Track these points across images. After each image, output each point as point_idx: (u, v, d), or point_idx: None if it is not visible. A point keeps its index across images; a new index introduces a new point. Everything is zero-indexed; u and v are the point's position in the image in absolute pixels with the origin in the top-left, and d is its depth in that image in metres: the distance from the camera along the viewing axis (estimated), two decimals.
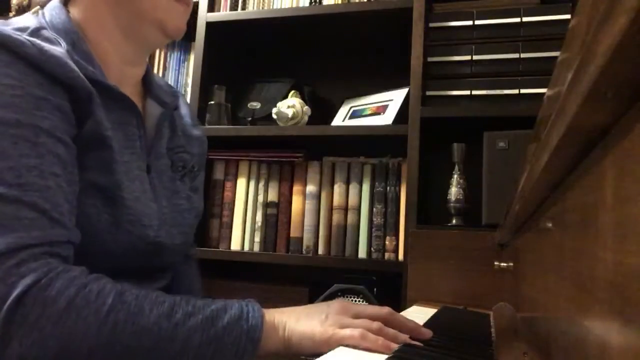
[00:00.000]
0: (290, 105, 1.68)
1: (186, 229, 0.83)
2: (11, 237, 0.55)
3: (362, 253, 1.61)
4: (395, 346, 0.59)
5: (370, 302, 1.50)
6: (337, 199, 1.66)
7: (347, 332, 0.60)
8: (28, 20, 0.70)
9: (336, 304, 0.65)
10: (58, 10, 0.72)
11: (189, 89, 1.83)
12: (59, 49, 0.65)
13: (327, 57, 1.91)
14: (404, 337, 0.62)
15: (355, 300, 1.53)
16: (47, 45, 0.63)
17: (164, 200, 0.79)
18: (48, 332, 0.53)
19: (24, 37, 0.63)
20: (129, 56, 0.78)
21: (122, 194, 0.69)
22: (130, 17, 0.75)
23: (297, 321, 0.62)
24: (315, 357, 0.55)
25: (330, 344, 0.60)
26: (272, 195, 1.73)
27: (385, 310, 0.66)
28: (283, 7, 1.78)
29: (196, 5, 1.78)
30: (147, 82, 0.85)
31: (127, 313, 0.56)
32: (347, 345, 0.60)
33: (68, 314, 0.54)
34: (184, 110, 0.91)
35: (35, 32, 0.67)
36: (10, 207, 0.56)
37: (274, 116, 1.69)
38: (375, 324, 0.62)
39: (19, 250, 0.55)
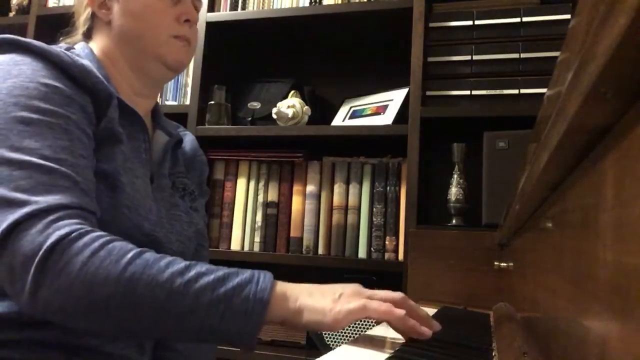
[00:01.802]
0: (290, 105, 1.68)
1: (183, 239, 0.86)
2: (51, 198, 0.63)
3: (362, 253, 1.61)
4: (400, 312, 0.62)
5: None
6: (337, 199, 1.66)
7: (351, 305, 0.62)
8: (62, 44, 0.84)
9: (351, 286, 0.67)
10: (83, 46, 0.85)
11: (189, 89, 1.83)
12: (87, 62, 0.77)
13: (327, 57, 1.91)
14: (412, 323, 0.63)
15: None
16: (77, 57, 0.75)
17: (163, 210, 0.83)
18: (72, 278, 0.59)
19: (60, 49, 0.75)
20: (139, 88, 0.87)
21: (121, 179, 0.74)
22: (135, 54, 0.85)
23: (310, 296, 0.64)
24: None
25: (339, 321, 0.62)
26: (272, 195, 1.73)
27: (398, 295, 0.67)
28: (283, 7, 1.78)
29: None
30: (156, 116, 0.93)
31: (144, 266, 0.61)
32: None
33: (91, 262, 0.60)
34: (189, 146, 1.00)
35: (68, 49, 0.81)
36: (49, 175, 0.64)
37: (274, 116, 1.69)
38: (385, 307, 0.63)
39: (57, 209, 0.62)
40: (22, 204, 0.61)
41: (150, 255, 0.62)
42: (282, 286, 0.64)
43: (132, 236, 0.73)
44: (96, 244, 0.61)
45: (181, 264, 0.62)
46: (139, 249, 0.63)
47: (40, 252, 0.59)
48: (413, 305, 0.67)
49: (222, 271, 0.62)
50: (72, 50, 0.81)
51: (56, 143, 0.66)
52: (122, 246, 0.62)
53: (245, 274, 0.63)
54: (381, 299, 0.65)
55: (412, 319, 0.64)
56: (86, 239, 0.61)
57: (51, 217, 0.61)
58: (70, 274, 0.59)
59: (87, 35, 0.88)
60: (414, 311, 0.66)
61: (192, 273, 0.61)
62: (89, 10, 0.87)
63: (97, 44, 0.86)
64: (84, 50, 0.83)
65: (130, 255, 0.61)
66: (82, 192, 0.66)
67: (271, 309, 0.61)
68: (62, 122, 0.68)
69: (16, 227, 0.60)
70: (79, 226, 0.62)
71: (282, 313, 0.62)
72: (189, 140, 1.01)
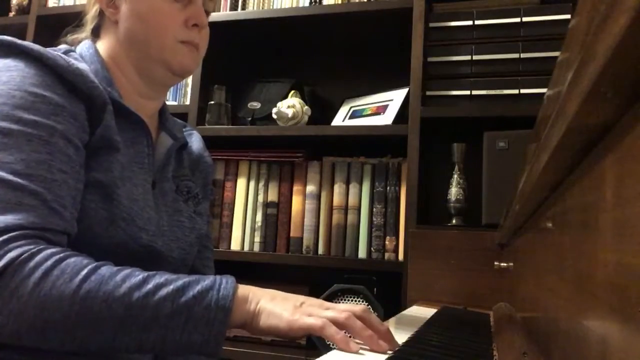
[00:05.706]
0: (290, 105, 1.68)
1: (185, 246, 0.85)
2: (10, 218, 0.60)
3: (362, 253, 1.61)
4: (355, 346, 0.59)
5: (370, 302, 1.50)
6: (337, 199, 1.66)
7: (311, 319, 0.61)
8: (62, 46, 0.83)
9: (314, 298, 0.66)
10: (88, 45, 0.82)
11: (189, 89, 1.83)
12: (84, 65, 0.75)
13: (327, 57, 1.91)
14: (370, 333, 0.61)
15: (355, 300, 1.53)
16: (73, 60, 0.73)
17: (165, 216, 0.82)
18: (24, 301, 0.57)
19: (57, 53, 0.72)
20: (144, 90, 0.85)
21: (118, 191, 0.72)
22: (141, 58, 0.83)
23: (272, 300, 0.63)
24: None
25: (293, 329, 0.61)
26: (272, 195, 1.73)
27: (359, 307, 0.66)
28: (283, 7, 1.78)
29: None
30: (163, 117, 0.92)
31: (100, 283, 0.59)
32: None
33: (44, 283, 0.57)
34: (195, 145, 0.98)
35: (67, 52, 0.79)
36: (15, 192, 0.61)
37: (274, 116, 1.69)
38: (344, 314, 0.62)
39: (13, 230, 0.59)
40: None
41: (106, 269, 0.60)
42: (244, 290, 0.63)
43: (128, 248, 0.73)
44: (49, 262, 0.59)
45: (139, 276, 0.60)
46: (94, 264, 0.61)
47: None
48: (373, 319, 0.65)
49: (181, 280, 0.61)
50: (70, 54, 0.79)
51: (31, 157, 0.63)
52: (76, 262, 0.60)
53: (207, 280, 0.62)
54: (343, 310, 0.63)
55: (369, 331, 0.61)
56: (38, 258, 0.58)
57: (4, 238, 0.58)
58: (21, 297, 0.57)
59: (95, 34, 0.86)
60: (373, 324, 0.63)
61: (150, 285, 0.60)
62: (97, 7, 0.85)
63: (103, 43, 0.84)
64: (88, 49, 0.81)
65: (84, 272, 0.59)
66: (51, 211, 0.63)
67: (233, 314, 0.60)
68: (45, 133, 0.66)
69: None
70: (31, 246, 0.59)
71: (241, 316, 0.61)
72: (195, 140, 0.99)
